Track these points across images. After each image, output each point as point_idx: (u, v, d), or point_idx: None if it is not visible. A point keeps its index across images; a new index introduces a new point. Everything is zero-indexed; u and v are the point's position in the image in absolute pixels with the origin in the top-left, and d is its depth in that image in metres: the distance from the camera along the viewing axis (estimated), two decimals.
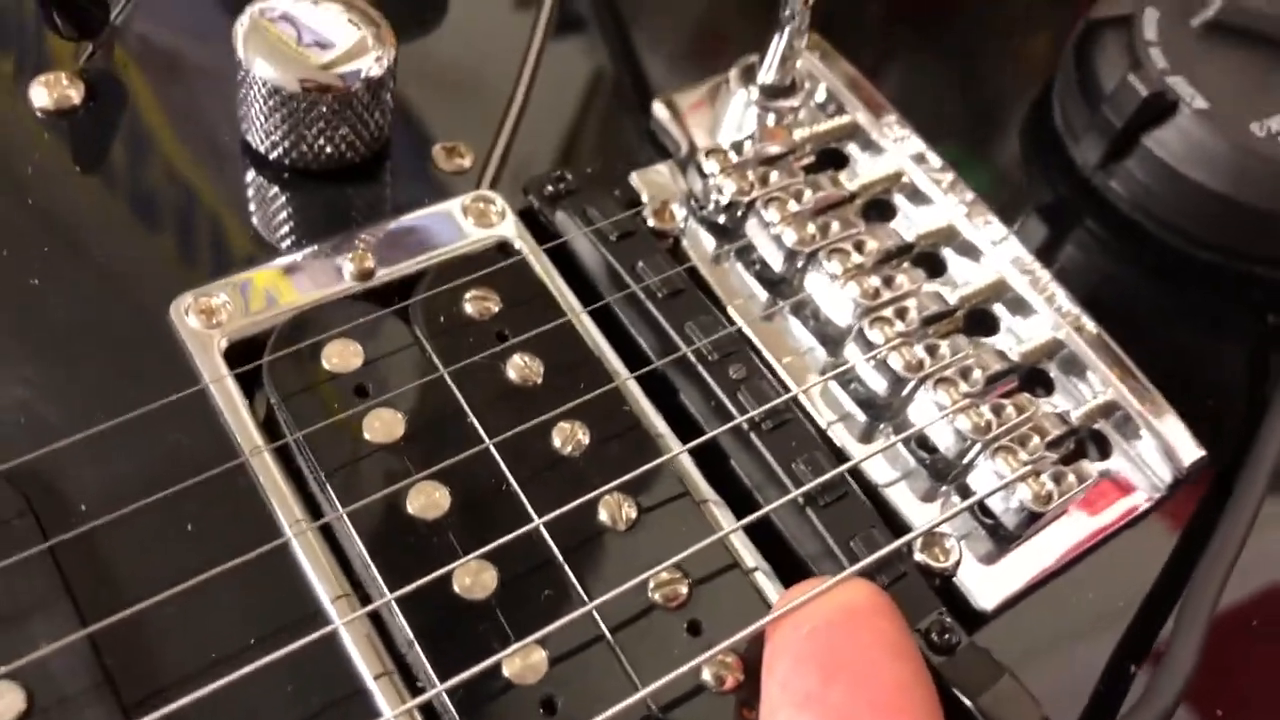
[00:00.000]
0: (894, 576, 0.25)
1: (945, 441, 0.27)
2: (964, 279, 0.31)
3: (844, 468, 0.26)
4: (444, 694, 0.22)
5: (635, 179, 0.31)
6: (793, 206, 0.29)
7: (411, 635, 0.23)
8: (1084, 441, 0.29)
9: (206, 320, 0.26)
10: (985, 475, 0.26)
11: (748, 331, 0.29)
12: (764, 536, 0.26)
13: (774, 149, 0.31)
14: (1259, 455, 0.29)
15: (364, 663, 0.23)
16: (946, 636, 0.24)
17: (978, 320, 0.30)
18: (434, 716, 0.22)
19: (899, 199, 0.32)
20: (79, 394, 0.25)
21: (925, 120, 0.34)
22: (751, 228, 0.30)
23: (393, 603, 0.23)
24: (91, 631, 0.22)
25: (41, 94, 0.30)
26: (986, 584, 0.26)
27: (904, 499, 0.27)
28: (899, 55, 0.38)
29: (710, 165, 0.30)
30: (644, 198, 0.30)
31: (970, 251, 0.31)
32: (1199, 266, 0.33)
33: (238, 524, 0.24)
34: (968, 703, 0.23)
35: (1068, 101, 0.35)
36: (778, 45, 0.31)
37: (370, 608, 0.23)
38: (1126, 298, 0.33)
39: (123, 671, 0.22)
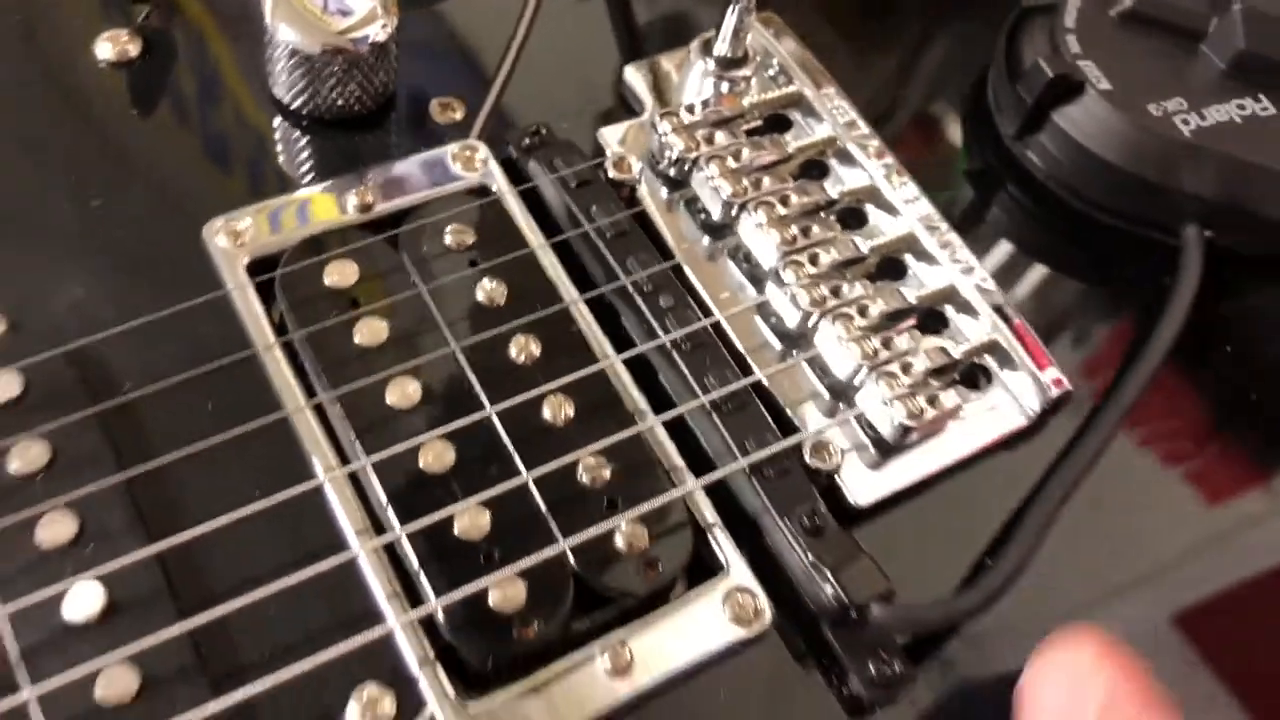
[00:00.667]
0: (780, 471, 0.30)
1: (841, 367, 0.32)
2: (879, 232, 0.35)
3: (746, 381, 0.31)
4: (405, 539, 0.28)
5: (603, 134, 0.36)
6: (731, 164, 0.34)
7: (384, 498, 0.29)
8: (973, 372, 0.34)
9: (233, 240, 0.32)
10: (870, 395, 0.32)
11: (688, 269, 0.34)
12: (680, 435, 0.31)
13: (724, 113, 0.36)
14: (1120, 393, 0.34)
15: (344, 514, 0.28)
16: (816, 520, 0.29)
17: (890, 268, 0.35)
18: (398, 560, 0.28)
19: (832, 161, 0.37)
20: (127, 295, 0.31)
21: (869, 94, 0.39)
22: (696, 180, 0.35)
23: (369, 466, 0.29)
24: (129, 476, 0.28)
25: (105, 48, 0.35)
26: (863, 485, 0.31)
27: (805, 415, 0.32)
28: (854, 35, 0.42)
29: (664, 125, 0.35)
30: (608, 151, 0.36)
31: (888, 208, 0.36)
32: (1100, 230, 0.38)
33: (249, 403, 0.30)
34: (828, 575, 0.29)
35: (997, 80, 0.39)
36: (730, 21, 0.36)
37: (349, 468, 0.29)
38: (1032, 254, 0.38)
39: (152, 505, 0.28)
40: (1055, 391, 0.33)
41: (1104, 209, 0.38)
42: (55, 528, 0.27)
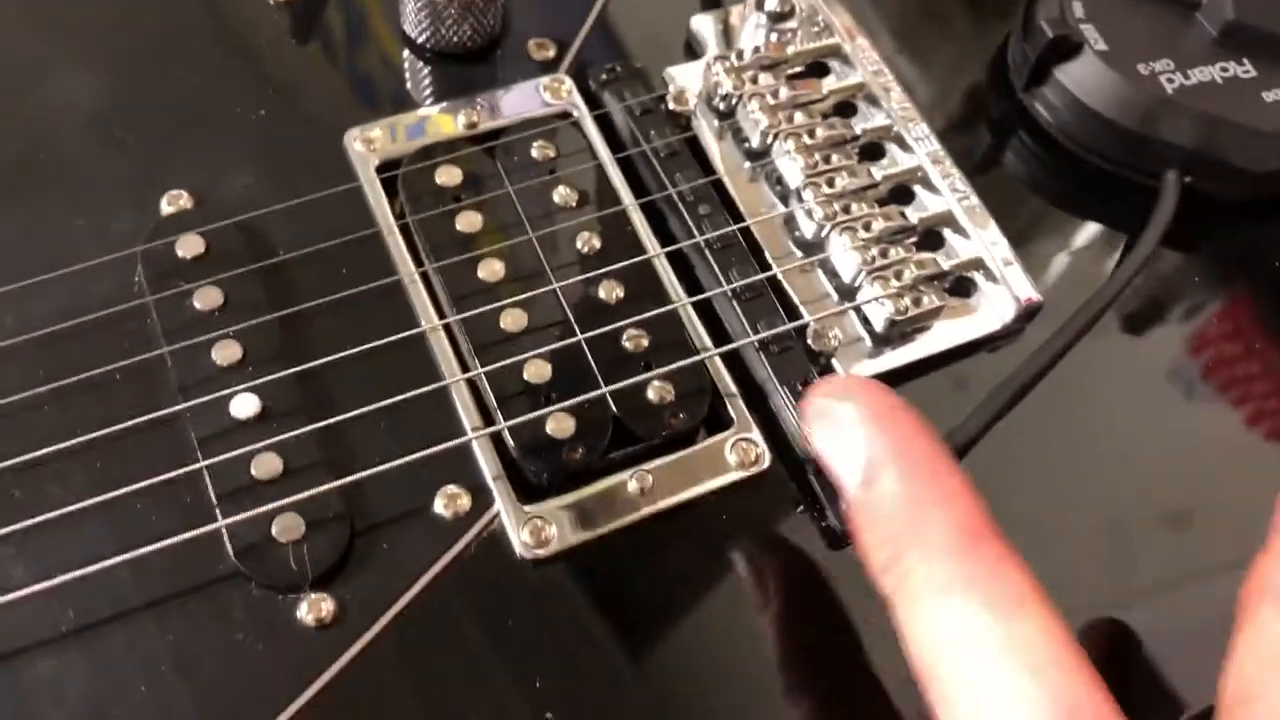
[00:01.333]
0: (783, 349, 0.37)
1: (845, 271, 0.39)
2: (893, 164, 0.42)
3: (764, 275, 0.39)
4: (485, 378, 0.36)
5: (668, 72, 0.43)
6: (770, 101, 0.42)
7: (471, 346, 0.37)
8: (963, 283, 0.41)
9: (367, 146, 0.41)
10: (866, 293, 0.39)
11: (729, 185, 0.41)
12: (709, 318, 0.39)
13: (769, 59, 0.43)
14: (1087, 306, 0.40)
15: (440, 355, 0.37)
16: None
17: (901, 195, 0.42)
18: (480, 395, 0.36)
19: (861, 104, 0.44)
20: (284, 183, 0.40)
21: (902, 48, 0.46)
22: (740, 114, 0.42)
23: (459, 322, 0.37)
24: (279, 316, 0.37)
25: None
26: (855, 367, 0.38)
27: (814, 308, 0.39)
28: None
29: (716, 66, 0.42)
30: (670, 86, 0.43)
31: (903, 145, 0.42)
32: (1095, 173, 0.44)
33: (373, 270, 0.38)
34: None
35: (1015, 39, 0.45)
36: None
37: (447, 319, 0.37)
38: (1033, 190, 0.44)
39: (296, 339, 0.37)
40: (1027, 303, 0.40)
41: (1098, 155, 0.44)
42: (226, 351, 0.36)
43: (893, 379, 0.39)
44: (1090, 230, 0.44)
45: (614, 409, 0.36)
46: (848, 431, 0.29)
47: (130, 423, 0.34)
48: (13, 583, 0.32)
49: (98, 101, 0.41)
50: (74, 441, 0.34)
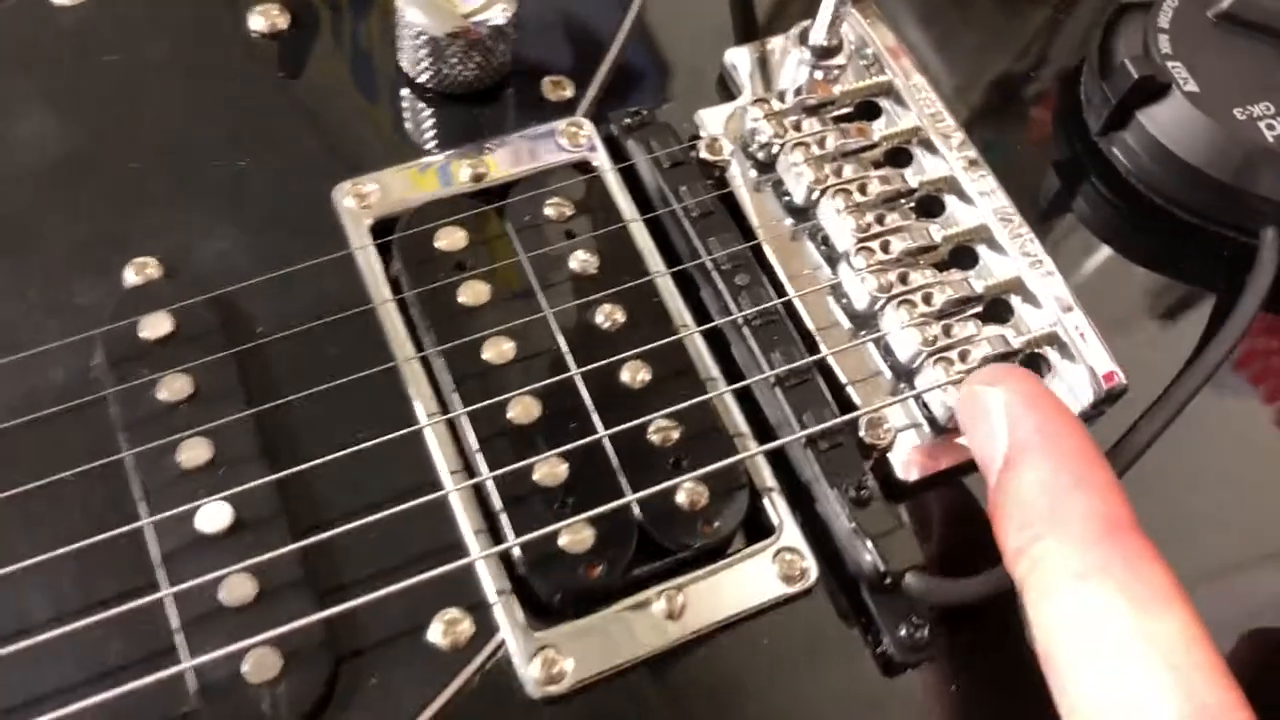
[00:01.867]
0: (833, 444, 0.33)
1: (903, 350, 0.34)
2: (954, 222, 0.37)
3: (811, 359, 0.34)
4: (491, 482, 0.31)
5: (699, 116, 0.38)
6: (816, 150, 0.37)
7: (476, 444, 0.32)
8: (1035, 362, 0.36)
9: (360, 202, 0.36)
10: (927, 378, 0.34)
11: (768, 249, 0.36)
12: (748, 406, 0.34)
13: (815, 100, 0.38)
14: (1175, 390, 0.35)
15: (440, 456, 0.32)
16: (863, 492, 0.32)
17: (963, 257, 0.37)
18: (484, 501, 0.32)
19: (916, 150, 0.39)
20: (265, 249, 0.35)
21: (960, 83, 0.41)
22: (781, 165, 0.37)
23: (464, 415, 0.32)
24: (257, 411, 0.32)
25: (258, 20, 0.39)
26: (913, 463, 0.34)
27: (865, 393, 0.34)
28: (952, 26, 0.44)
29: (754, 111, 0.37)
30: (702, 133, 0.38)
31: (965, 199, 0.38)
32: (1181, 228, 0.39)
33: (365, 352, 0.33)
34: (868, 543, 0.31)
35: (1089, 76, 0.40)
36: (825, 11, 0.38)
37: (448, 415, 0.32)
38: (1110, 247, 0.39)
39: (276, 437, 0.32)
40: (1108, 385, 0.35)
41: (1185, 208, 0.39)
42: (193, 452, 0.31)
43: (954, 475, 0.34)
44: (1177, 293, 0.39)
45: (638, 515, 0.32)
46: (995, 416, 0.29)
47: (85, 542, 0.30)
48: None
49: (59, 150, 0.36)
50: (21, 565, 0.30)
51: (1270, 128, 0.37)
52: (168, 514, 0.30)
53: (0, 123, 0.36)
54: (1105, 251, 0.39)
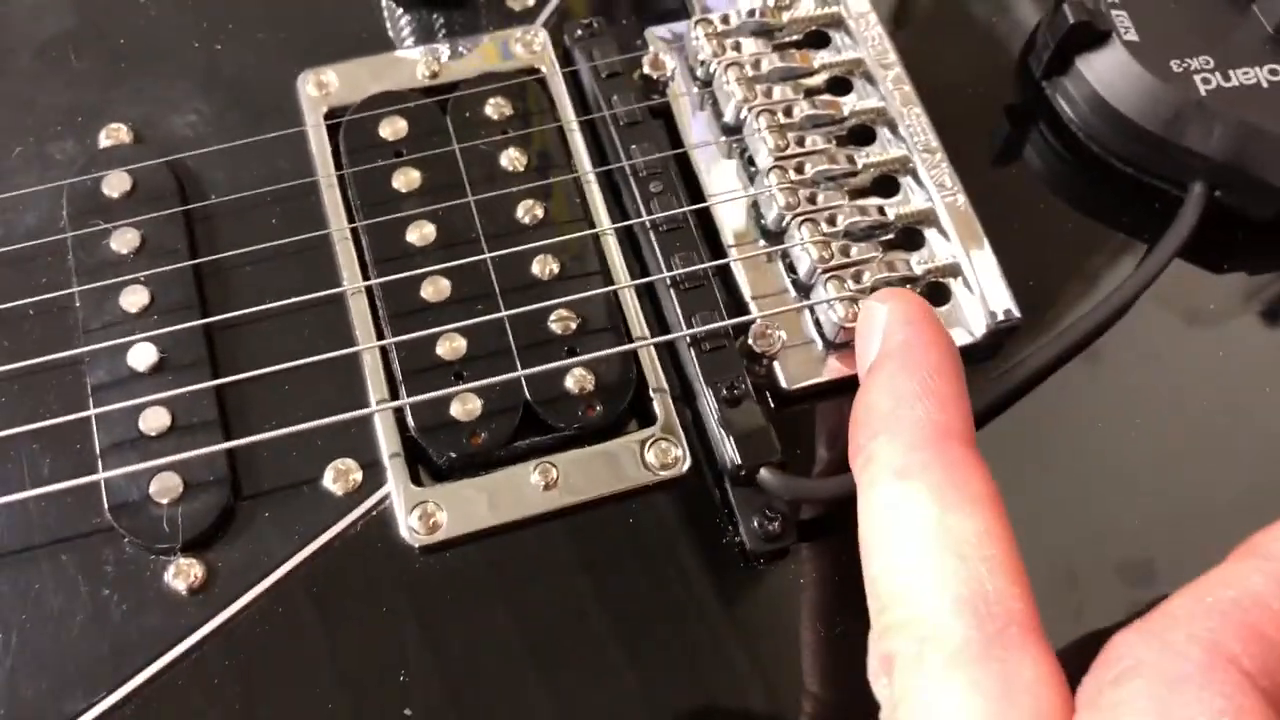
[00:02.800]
0: (715, 346, 0.35)
1: (801, 266, 0.36)
2: (878, 151, 0.38)
3: (710, 264, 0.36)
4: (395, 348, 0.34)
5: (648, 33, 0.40)
6: (749, 72, 0.38)
7: (387, 313, 0.35)
8: (940, 290, 0.37)
9: (320, 90, 0.39)
10: (820, 294, 0.35)
11: (696, 162, 0.38)
12: (650, 307, 0.36)
13: (760, 24, 0.39)
14: (1071, 327, 0.36)
15: (357, 320, 0.35)
16: (735, 392, 0.34)
17: (887, 185, 0.38)
18: (390, 365, 0.35)
19: (857, 82, 0.40)
20: (228, 123, 0.38)
21: (916, 25, 0.42)
22: (715, 83, 0.39)
23: (380, 286, 0.35)
24: (196, 264, 0.35)
25: None
26: (797, 373, 0.35)
27: (766, 305, 0.36)
28: None
29: (697, 30, 0.39)
30: (650, 48, 0.40)
31: (894, 129, 0.39)
32: (1115, 176, 0.39)
33: (304, 222, 0.36)
34: (730, 438, 0.33)
35: (1044, 21, 0.41)
36: None
37: (367, 283, 0.35)
38: (1042, 190, 0.40)
39: (211, 290, 0.35)
40: (1003, 319, 0.36)
41: (1120, 157, 0.39)
42: (133, 297, 0.35)
43: (842, 389, 0.36)
44: (1102, 239, 0.40)
45: (526, 394, 0.34)
46: (874, 328, 0.31)
47: (32, 361, 0.34)
48: None
49: (61, 20, 0.40)
50: None
51: (1206, 81, 0.37)
52: (103, 345, 0.34)
53: None
54: (1040, 194, 0.40)
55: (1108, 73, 0.38)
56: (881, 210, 0.37)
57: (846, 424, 0.35)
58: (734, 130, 0.39)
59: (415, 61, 0.39)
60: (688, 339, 0.35)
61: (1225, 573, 0.25)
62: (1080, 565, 0.34)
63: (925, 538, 0.26)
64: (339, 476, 0.34)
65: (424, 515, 0.33)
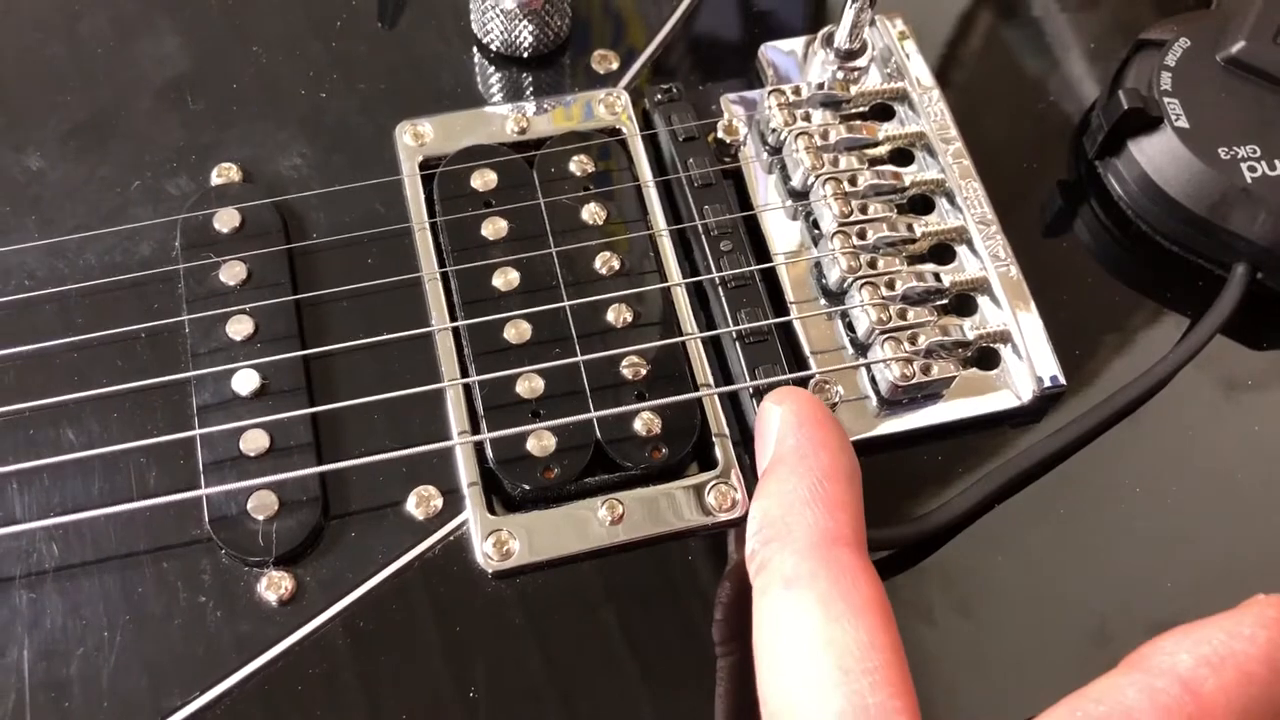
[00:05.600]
0: None
1: (860, 326, 0.38)
2: (936, 220, 0.41)
3: (774, 320, 0.38)
4: (478, 386, 0.37)
5: (723, 100, 0.43)
6: (818, 141, 0.41)
7: (472, 353, 0.38)
8: (990, 355, 0.39)
9: (416, 140, 0.42)
10: (877, 353, 0.38)
11: (764, 224, 0.41)
12: (719, 358, 0.39)
13: (829, 96, 0.42)
14: (1114, 396, 0.38)
15: (443, 358, 0.38)
16: None
17: (943, 253, 0.41)
18: (472, 401, 0.37)
19: (919, 153, 0.42)
20: (330, 167, 0.41)
21: (977, 99, 0.44)
22: (785, 150, 0.41)
23: (466, 327, 0.38)
24: (298, 299, 0.38)
25: None
26: (850, 426, 0.37)
27: (824, 360, 0.38)
28: (986, 45, 0.47)
29: (769, 100, 0.42)
30: (725, 114, 0.43)
31: (952, 200, 0.41)
32: (1162, 253, 0.42)
33: (398, 264, 0.39)
34: None
35: (1100, 104, 0.43)
36: (848, 17, 0.41)
37: (454, 324, 0.38)
38: (1090, 263, 0.42)
39: (310, 323, 0.38)
40: (1049, 385, 0.38)
41: (1166, 236, 0.41)
42: (239, 326, 0.37)
43: (894, 444, 0.38)
44: (1147, 314, 0.42)
45: (598, 434, 0.37)
46: (769, 431, 0.32)
47: (144, 382, 0.37)
48: (10, 516, 0.35)
49: (179, 65, 0.43)
50: (93, 393, 0.37)
51: (1252, 169, 0.39)
52: (209, 370, 0.37)
53: (129, 40, 0.43)
54: (1089, 268, 0.42)
55: (1158, 156, 0.40)
56: (938, 277, 0.39)
57: (895, 477, 0.38)
58: (801, 195, 0.41)
59: (505, 117, 0.42)
60: (750, 390, 0.37)
61: (1102, 686, 0.26)
62: (1111, 624, 0.36)
63: (810, 650, 0.27)
64: (421, 502, 0.36)
65: (498, 542, 0.35)
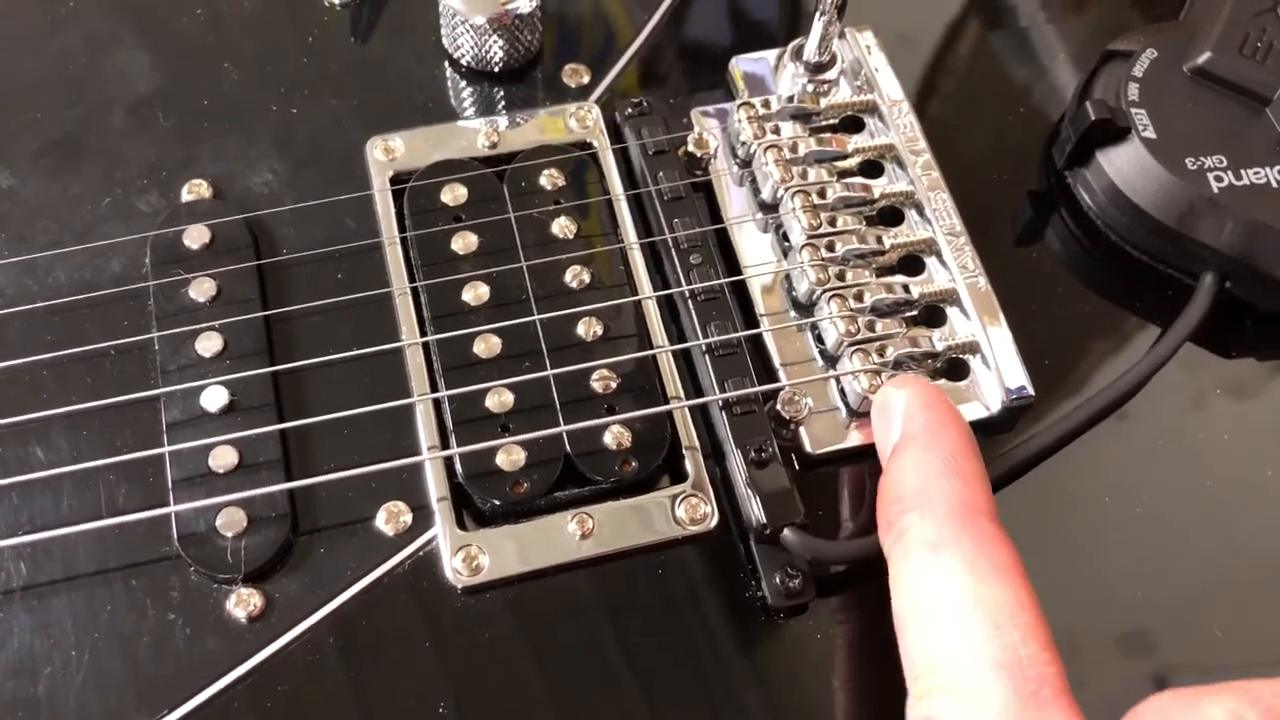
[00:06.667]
0: (746, 411, 0.37)
1: (829, 338, 0.38)
2: (905, 232, 0.41)
3: (743, 334, 0.38)
4: (448, 400, 0.37)
5: (695, 113, 0.43)
6: (787, 154, 0.41)
7: (442, 368, 0.38)
8: (959, 366, 0.39)
9: (386, 155, 0.42)
10: (846, 366, 0.38)
11: (735, 236, 0.41)
12: (688, 370, 0.39)
13: (799, 109, 0.42)
14: (1083, 405, 0.38)
15: (413, 372, 0.38)
16: (763, 455, 0.36)
17: (913, 264, 0.41)
18: (442, 416, 0.37)
19: (888, 166, 0.42)
20: (300, 183, 0.41)
21: (946, 112, 0.44)
22: (755, 163, 0.41)
23: (436, 341, 0.38)
24: (268, 315, 0.38)
25: None
26: (821, 438, 0.38)
27: (794, 373, 0.39)
28: (960, 58, 0.47)
29: (739, 113, 0.42)
30: (695, 128, 0.43)
31: (921, 212, 0.41)
32: (1131, 262, 0.42)
33: (367, 279, 0.39)
34: (756, 498, 0.36)
35: (1069, 114, 0.43)
36: (816, 30, 0.42)
37: (424, 339, 0.38)
38: (1061, 273, 0.42)
39: (279, 339, 0.38)
40: (1018, 396, 0.38)
41: (1135, 246, 0.41)
42: (207, 343, 0.37)
43: (864, 455, 0.38)
44: (1116, 323, 0.42)
45: (567, 448, 0.37)
46: (894, 413, 0.33)
47: (114, 400, 0.37)
48: None
49: (150, 82, 0.43)
50: (62, 410, 0.36)
51: (1219, 179, 0.40)
52: (178, 387, 0.37)
53: (101, 57, 0.43)
54: (1058, 278, 0.42)
55: (1126, 167, 0.41)
56: (906, 288, 0.39)
57: (866, 488, 0.38)
58: (771, 208, 0.41)
59: (476, 131, 0.42)
60: (720, 403, 0.37)
61: None
62: (1083, 635, 0.36)
63: (961, 607, 0.28)
64: (391, 518, 0.36)
65: (467, 558, 0.35)
